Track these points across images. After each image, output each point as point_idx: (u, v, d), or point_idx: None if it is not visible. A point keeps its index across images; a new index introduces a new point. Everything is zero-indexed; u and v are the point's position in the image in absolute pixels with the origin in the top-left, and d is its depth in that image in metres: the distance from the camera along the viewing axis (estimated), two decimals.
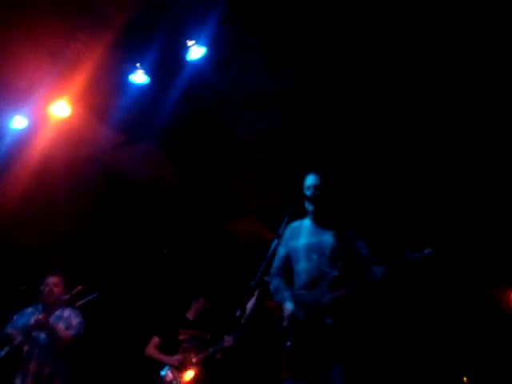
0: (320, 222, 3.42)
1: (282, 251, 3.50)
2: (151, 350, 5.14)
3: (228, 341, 4.85)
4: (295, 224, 3.53)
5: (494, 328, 6.97)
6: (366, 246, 3.30)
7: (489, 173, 5.52)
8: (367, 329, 3.09)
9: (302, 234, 3.45)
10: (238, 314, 2.83)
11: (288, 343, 3.14)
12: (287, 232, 3.46)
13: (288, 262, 3.47)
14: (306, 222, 3.50)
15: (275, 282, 3.48)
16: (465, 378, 6.77)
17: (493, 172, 5.50)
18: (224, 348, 4.88)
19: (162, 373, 4.97)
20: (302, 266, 3.33)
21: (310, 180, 3.45)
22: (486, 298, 7.12)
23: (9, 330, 4.37)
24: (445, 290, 6.94)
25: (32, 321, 4.27)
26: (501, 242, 6.29)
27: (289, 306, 3.24)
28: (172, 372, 4.91)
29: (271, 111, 5.01)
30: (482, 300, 7.08)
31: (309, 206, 3.41)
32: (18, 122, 4.87)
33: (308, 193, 3.41)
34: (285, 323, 3.22)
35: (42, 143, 5.15)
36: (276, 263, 3.52)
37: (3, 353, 4.19)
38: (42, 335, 4.30)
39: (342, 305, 3.08)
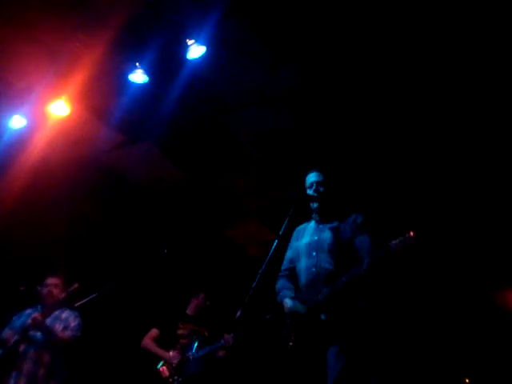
0: (323, 220, 3.40)
1: (288, 253, 3.53)
2: (148, 341, 5.00)
3: (228, 339, 4.78)
4: (301, 226, 3.56)
5: (494, 329, 6.96)
6: (367, 241, 3.17)
7: (489, 173, 5.50)
8: (365, 325, 3.03)
9: (305, 234, 3.46)
10: (238, 314, 2.81)
11: (289, 344, 3.12)
12: (294, 234, 3.52)
13: (294, 263, 3.47)
14: (311, 223, 3.51)
15: (280, 283, 3.49)
16: (467, 380, 6.76)
17: (494, 172, 5.48)
18: (224, 346, 4.80)
19: (158, 366, 4.89)
20: (302, 265, 3.33)
21: (312, 178, 3.44)
22: (487, 298, 7.11)
23: (6, 331, 4.33)
24: (446, 291, 6.92)
25: (29, 320, 4.24)
26: (501, 242, 6.28)
27: (288, 303, 3.25)
28: (168, 369, 4.83)
29: (271, 110, 5.00)
30: (483, 301, 7.07)
31: (313, 204, 3.40)
32: (17, 122, 4.86)
33: (310, 191, 3.39)
34: (287, 321, 3.22)
35: (40, 143, 5.14)
36: (283, 265, 3.54)
37: None
38: (39, 334, 4.26)
39: (334, 300, 3.04)
